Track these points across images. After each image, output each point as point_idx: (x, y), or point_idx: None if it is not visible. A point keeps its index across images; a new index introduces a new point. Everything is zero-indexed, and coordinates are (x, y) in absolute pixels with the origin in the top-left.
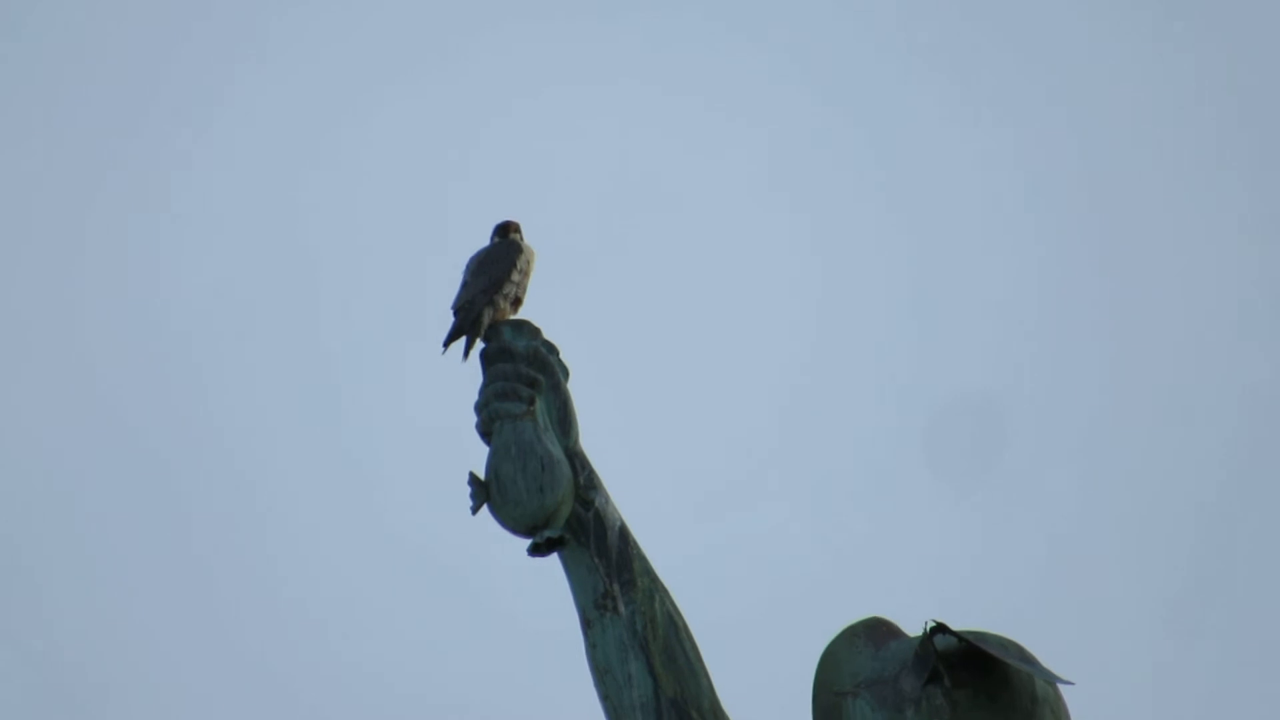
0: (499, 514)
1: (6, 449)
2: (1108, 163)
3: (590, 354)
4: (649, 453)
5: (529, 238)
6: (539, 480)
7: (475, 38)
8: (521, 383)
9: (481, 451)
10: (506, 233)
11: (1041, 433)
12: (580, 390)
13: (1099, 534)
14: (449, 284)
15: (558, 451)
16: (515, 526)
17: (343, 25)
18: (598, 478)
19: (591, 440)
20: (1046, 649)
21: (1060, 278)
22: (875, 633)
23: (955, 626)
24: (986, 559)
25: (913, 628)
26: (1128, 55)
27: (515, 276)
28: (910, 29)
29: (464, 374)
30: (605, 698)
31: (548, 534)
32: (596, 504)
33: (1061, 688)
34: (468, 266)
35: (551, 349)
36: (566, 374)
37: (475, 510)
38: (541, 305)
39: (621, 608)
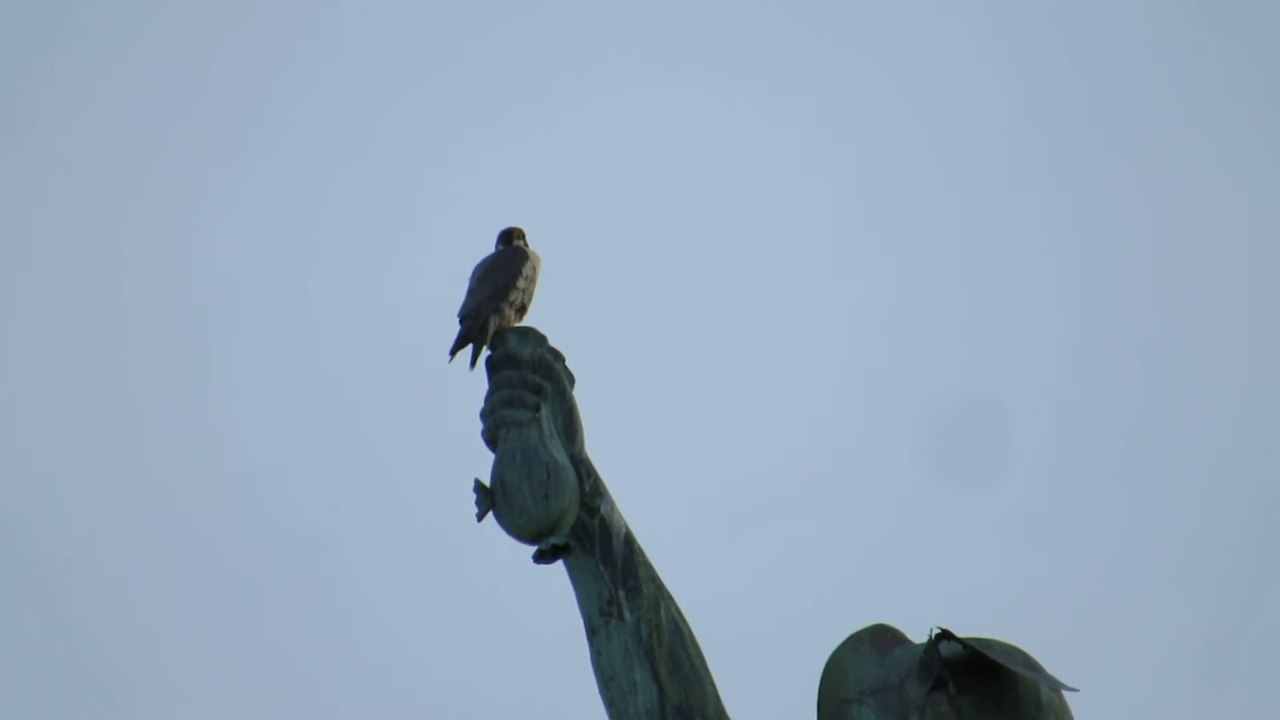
0: (504, 521)
1: (36, 448)
2: (1153, 173)
3: (599, 361)
4: (656, 460)
5: (542, 245)
6: (544, 487)
7: (482, 42)
8: (527, 390)
9: (487, 458)
10: (510, 239)
11: (1077, 460)
12: (587, 398)
13: (1133, 569)
14: (458, 291)
15: (563, 458)
16: (520, 533)
17: (365, 29)
18: (603, 484)
19: (598, 447)
20: (1066, 670)
21: (1100, 301)
22: (880, 639)
23: (962, 634)
24: (1013, 584)
25: (921, 635)
26: (1170, 68)
27: (521, 283)
28: (955, 35)
29: (471, 381)
30: (610, 704)
31: (553, 541)
32: (602, 511)
33: (1067, 695)
34: (474, 274)
35: (557, 356)
36: (572, 381)
37: (480, 517)
38: (550, 312)
39: (626, 614)
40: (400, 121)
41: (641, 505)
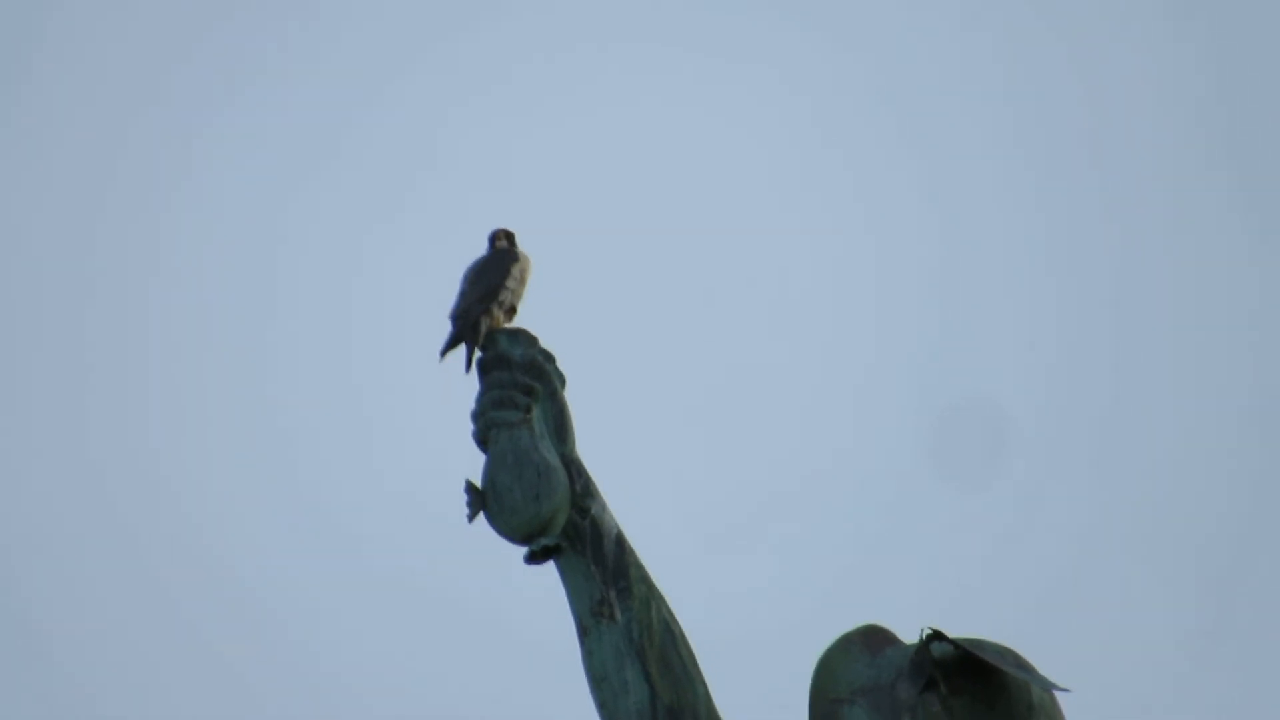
0: (495, 522)
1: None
2: (1125, 171)
3: (590, 362)
4: (649, 461)
5: (532, 244)
6: (535, 488)
7: (470, 39)
8: (518, 391)
9: (478, 459)
10: (500, 240)
11: (1054, 447)
12: (578, 399)
13: (1114, 552)
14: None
15: (554, 459)
16: (511, 535)
17: (343, 27)
18: (594, 485)
19: (589, 448)
20: (1057, 667)
21: (1074, 291)
22: (872, 640)
23: (953, 635)
24: (999, 573)
25: (914, 636)
26: (1146, 64)
27: (511, 284)
28: (948, 34)
29: (463, 382)
30: (601, 705)
31: (544, 542)
32: (593, 512)
33: (1058, 695)
34: (465, 275)
35: (548, 357)
36: (563, 382)
37: (471, 518)
38: (543, 313)
39: (618, 615)
40: (388, 119)
41: (635, 506)
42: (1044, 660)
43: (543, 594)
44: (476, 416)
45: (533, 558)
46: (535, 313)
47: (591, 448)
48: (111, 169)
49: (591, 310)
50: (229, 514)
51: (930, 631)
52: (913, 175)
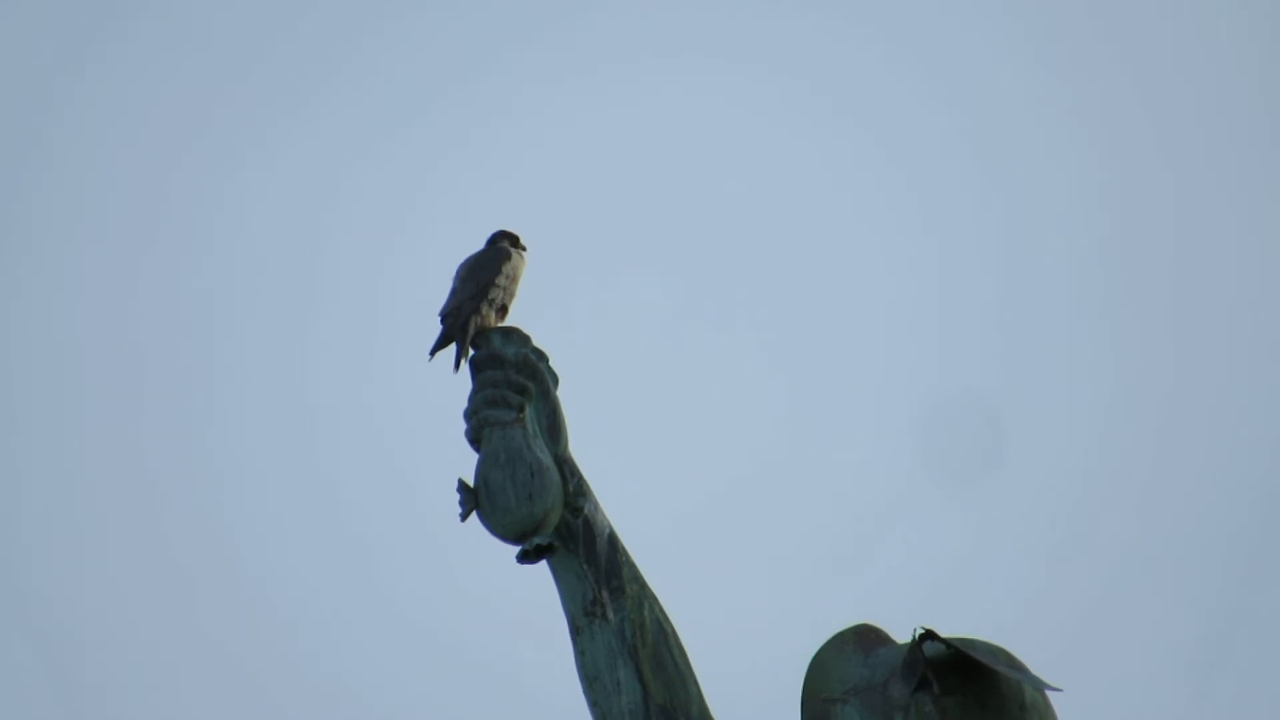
0: (488, 521)
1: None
2: (1128, 167)
3: (588, 360)
4: (642, 459)
5: (535, 244)
6: (528, 487)
7: (475, 39)
8: (511, 390)
9: (471, 458)
10: (501, 241)
11: (1056, 453)
12: (572, 398)
13: (1123, 564)
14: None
15: (547, 459)
16: (504, 534)
17: (347, 30)
18: (587, 485)
19: (582, 448)
20: (1062, 678)
21: (1099, 309)
22: (864, 639)
23: (946, 634)
24: (1000, 579)
25: (907, 636)
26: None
27: (501, 282)
28: (989, 39)
29: (454, 381)
30: (594, 704)
31: (537, 541)
32: (586, 511)
33: (1051, 695)
34: (456, 273)
35: (541, 356)
36: (556, 381)
37: (464, 517)
38: (540, 312)
39: (610, 614)
40: (387, 118)
41: (630, 506)
42: (1045, 667)
43: (542, 592)
44: (469, 415)
45: (525, 557)
46: (535, 311)
47: (584, 446)
48: (136, 182)
49: (592, 310)
50: (236, 513)
51: (923, 631)
52: (931, 183)
